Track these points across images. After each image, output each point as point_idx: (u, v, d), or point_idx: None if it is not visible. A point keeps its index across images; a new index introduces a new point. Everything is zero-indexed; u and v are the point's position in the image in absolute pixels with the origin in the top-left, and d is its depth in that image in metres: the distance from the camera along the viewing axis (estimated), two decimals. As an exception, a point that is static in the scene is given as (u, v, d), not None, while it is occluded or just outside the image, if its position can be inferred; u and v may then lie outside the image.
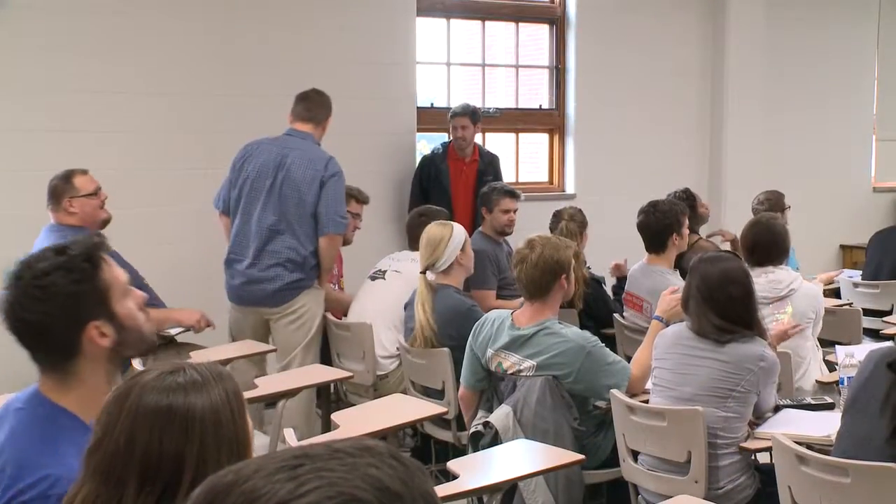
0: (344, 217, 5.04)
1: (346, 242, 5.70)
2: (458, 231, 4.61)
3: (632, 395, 3.73)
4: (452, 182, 6.58)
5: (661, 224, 5.02)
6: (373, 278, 5.24)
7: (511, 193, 5.84)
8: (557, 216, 5.60)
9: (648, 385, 3.79)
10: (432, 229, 4.60)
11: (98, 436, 1.56)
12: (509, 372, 3.84)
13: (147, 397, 1.54)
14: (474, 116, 6.58)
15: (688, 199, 5.80)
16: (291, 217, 4.94)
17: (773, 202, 6.19)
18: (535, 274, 3.78)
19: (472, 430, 3.85)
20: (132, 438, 1.52)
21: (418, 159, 6.82)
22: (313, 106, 5.16)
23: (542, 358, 3.74)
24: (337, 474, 0.86)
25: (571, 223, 5.44)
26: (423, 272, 4.56)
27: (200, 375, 1.58)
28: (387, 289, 5.08)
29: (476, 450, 3.71)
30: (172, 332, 4.88)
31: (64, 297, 1.97)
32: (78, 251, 2.02)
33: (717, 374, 3.48)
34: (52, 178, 4.75)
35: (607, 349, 3.84)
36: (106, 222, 4.79)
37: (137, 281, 4.86)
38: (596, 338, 3.84)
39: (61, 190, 4.69)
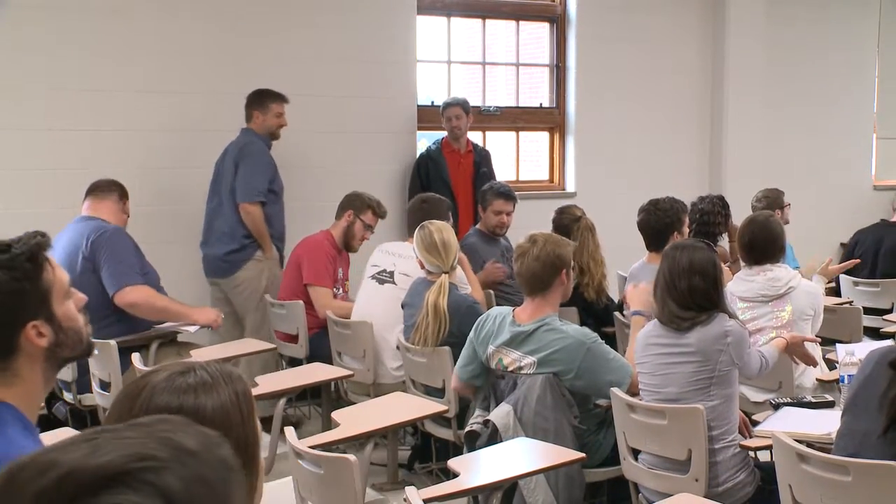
0: (255, 187, 5.67)
1: (351, 250, 5.70)
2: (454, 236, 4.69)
3: (632, 394, 3.74)
4: (451, 174, 6.61)
5: (662, 223, 5.02)
6: (380, 281, 5.11)
7: (504, 195, 5.84)
8: (568, 212, 5.57)
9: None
10: (444, 235, 4.59)
11: None
12: (510, 369, 3.84)
13: (157, 398, 1.53)
14: (465, 106, 6.68)
15: (724, 207, 5.79)
16: (224, 197, 5.76)
17: (772, 200, 6.20)
18: (536, 267, 3.80)
19: (468, 429, 3.85)
20: None
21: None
22: (245, 105, 5.88)
23: (542, 354, 3.75)
24: (132, 440, 0.90)
25: (587, 218, 5.47)
26: (446, 272, 4.55)
27: (211, 376, 1.57)
28: (399, 296, 4.91)
29: (472, 450, 3.71)
30: (191, 329, 4.92)
31: (3, 296, 1.96)
32: (21, 250, 2.00)
33: (692, 367, 3.51)
34: (105, 179, 5.09)
35: (607, 346, 3.85)
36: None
37: (154, 280, 4.93)
38: (596, 335, 3.84)
39: (122, 193, 5.08)
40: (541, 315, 3.84)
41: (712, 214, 5.70)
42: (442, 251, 4.54)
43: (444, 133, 6.75)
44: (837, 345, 4.35)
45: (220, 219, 5.79)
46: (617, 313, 5.21)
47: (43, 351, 2.00)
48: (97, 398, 4.59)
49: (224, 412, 1.54)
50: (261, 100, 5.85)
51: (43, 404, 4.03)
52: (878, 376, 2.76)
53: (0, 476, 0.90)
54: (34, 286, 1.99)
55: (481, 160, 6.75)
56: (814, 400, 3.77)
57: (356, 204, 5.66)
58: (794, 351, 4.03)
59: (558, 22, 7.60)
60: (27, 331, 1.98)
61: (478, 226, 5.98)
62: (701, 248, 3.69)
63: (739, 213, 6.20)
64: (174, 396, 1.53)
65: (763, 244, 4.41)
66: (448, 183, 6.58)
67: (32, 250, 2.02)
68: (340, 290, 5.66)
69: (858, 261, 5.94)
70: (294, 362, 5.42)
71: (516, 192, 6.07)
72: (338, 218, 5.73)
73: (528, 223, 5.66)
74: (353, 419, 3.63)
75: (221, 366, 1.62)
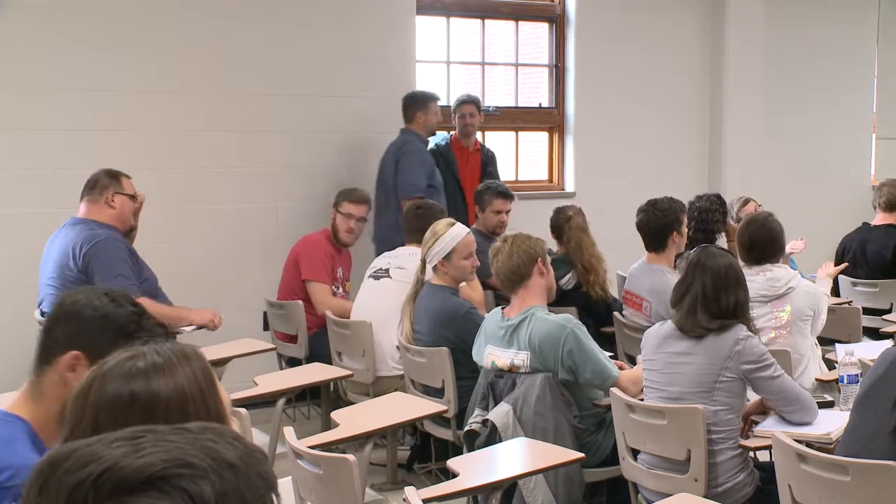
0: (413, 184, 6.04)
1: (342, 244, 5.71)
2: (452, 235, 4.53)
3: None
4: (461, 171, 6.62)
5: (661, 223, 5.02)
6: (376, 277, 5.16)
7: (503, 194, 5.85)
8: (562, 213, 5.58)
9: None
10: (438, 224, 4.63)
11: (67, 433, 1.50)
12: (504, 369, 3.86)
13: (108, 387, 1.47)
14: (478, 104, 6.72)
15: (722, 205, 5.80)
16: (388, 195, 6.14)
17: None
18: (510, 262, 3.91)
19: (467, 428, 3.87)
20: (97, 430, 1.42)
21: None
22: (403, 108, 6.31)
23: (529, 344, 3.80)
24: (175, 444, 0.91)
25: (578, 217, 5.46)
26: (423, 260, 4.60)
27: (162, 357, 1.51)
28: (394, 287, 5.01)
29: (471, 449, 3.72)
30: (187, 329, 4.91)
31: (90, 316, 2.02)
32: (149, 322, 2.09)
33: (699, 368, 3.49)
34: (96, 172, 4.80)
35: (589, 335, 3.88)
36: (132, 230, 4.86)
37: (153, 284, 4.89)
38: (578, 321, 3.91)
39: (106, 184, 4.74)
40: (526, 307, 3.90)
41: (711, 212, 5.72)
42: (426, 238, 4.60)
43: (445, 132, 6.75)
44: (837, 345, 4.35)
45: (385, 214, 6.10)
46: (617, 313, 5.21)
47: (66, 391, 1.97)
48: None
49: (180, 393, 1.48)
50: (422, 100, 6.30)
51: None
52: (892, 377, 2.75)
53: (43, 461, 0.93)
54: (114, 336, 2.00)
55: (488, 160, 6.76)
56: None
57: (335, 199, 5.71)
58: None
59: (557, 22, 7.60)
60: (67, 356, 1.99)
61: (475, 226, 5.97)
62: (729, 255, 3.69)
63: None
64: (124, 383, 1.47)
65: (763, 243, 4.41)
66: (458, 179, 6.59)
67: (155, 331, 2.07)
68: (340, 290, 5.67)
69: (847, 264, 5.95)
70: (293, 362, 5.42)
71: (515, 193, 6.09)
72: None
73: (528, 223, 5.65)
74: (353, 419, 3.63)
75: (174, 345, 1.57)
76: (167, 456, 0.89)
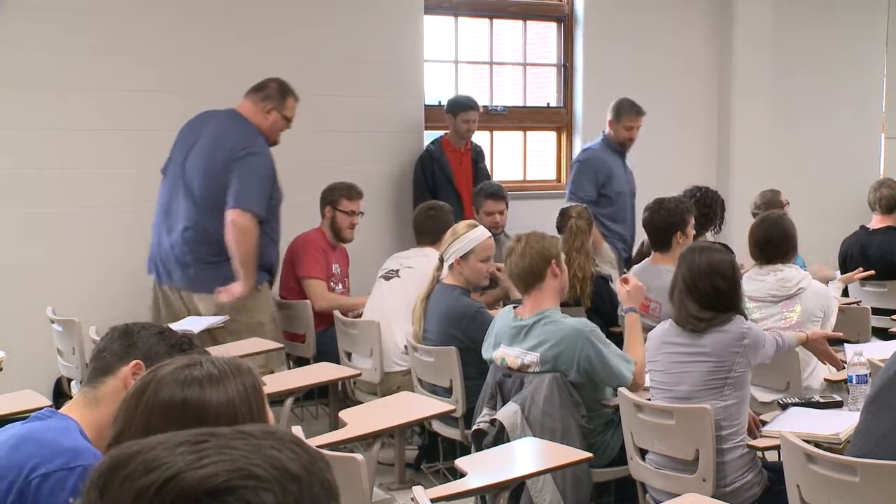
0: (572, 193, 6.23)
1: (346, 241, 5.72)
2: (472, 236, 4.53)
3: (637, 386, 3.80)
4: (455, 173, 6.61)
5: (664, 222, 4.99)
6: (387, 278, 5.19)
7: (494, 195, 5.85)
8: (565, 214, 5.59)
9: (647, 383, 3.82)
10: (459, 224, 4.66)
11: (117, 431, 1.55)
12: (513, 368, 3.86)
13: (163, 391, 1.53)
14: (478, 107, 6.69)
15: (722, 203, 5.78)
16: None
17: (769, 200, 6.13)
18: (524, 262, 3.88)
19: (475, 427, 3.87)
20: (148, 433, 1.52)
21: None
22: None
23: (543, 348, 3.78)
24: (239, 452, 0.90)
25: (580, 220, 5.40)
26: (440, 258, 4.59)
27: (217, 369, 1.57)
28: (402, 286, 5.07)
29: (479, 448, 3.72)
30: (195, 330, 4.91)
31: (154, 340, 2.16)
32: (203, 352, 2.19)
33: (707, 367, 3.51)
34: (272, 79, 5.25)
35: (605, 338, 3.86)
36: (274, 144, 5.16)
37: (276, 205, 5.05)
38: (594, 325, 3.88)
39: (270, 95, 5.18)
40: (540, 308, 3.88)
41: (714, 199, 5.71)
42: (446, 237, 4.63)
43: (441, 132, 6.73)
44: (846, 345, 4.34)
45: None
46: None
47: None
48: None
49: (231, 406, 1.54)
50: (616, 110, 6.39)
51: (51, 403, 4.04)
52: None
53: (104, 463, 0.92)
54: (169, 349, 2.13)
55: (477, 156, 6.78)
56: (822, 400, 3.76)
57: (328, 198, 5.74)
58: (816, 349, 4.04)
59: (565, 21, 7.59)
60: (128, 365, 2.11)
61: None
62: (720, 250, 3.71)
63: (746, 214, 6.20)
64: (179, 389, 1.53)
65: (776, 242, 4.41)
66: (453, 182, 6.58)
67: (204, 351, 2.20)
68: (340, 286, 5.69)
69: (873, 272, 5.78)
70: (301, 361, 5.42)
71: (523, 193, 6.08)
72: (322, 217, 5.77)
73: (535, 223, 5.63)
74: (361, 419, 3.63)
75: (230, 359, 1.62)
76: (232, 466, 0.88)
